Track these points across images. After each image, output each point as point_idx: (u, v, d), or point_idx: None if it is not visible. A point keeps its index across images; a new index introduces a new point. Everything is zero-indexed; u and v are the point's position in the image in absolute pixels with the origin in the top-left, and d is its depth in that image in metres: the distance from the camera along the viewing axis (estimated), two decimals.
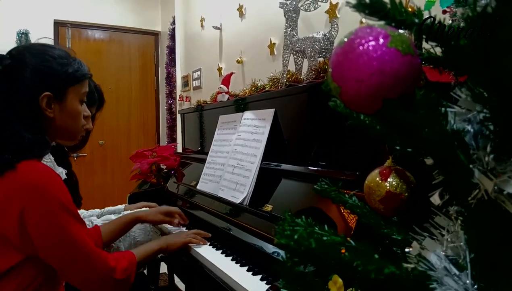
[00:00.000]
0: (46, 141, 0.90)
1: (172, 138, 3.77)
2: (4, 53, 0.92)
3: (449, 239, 0.44)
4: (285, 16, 1.51)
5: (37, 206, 0.83)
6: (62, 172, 1.25)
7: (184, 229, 1.57)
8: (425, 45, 0.47)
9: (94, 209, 1.59)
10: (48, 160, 1.18)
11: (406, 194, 0.63)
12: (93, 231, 1.18)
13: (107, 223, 1.27)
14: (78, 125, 0.99)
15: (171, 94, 3.78)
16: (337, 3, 1.64)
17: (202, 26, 3.07)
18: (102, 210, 1.61)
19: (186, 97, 3.41)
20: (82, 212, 1.57)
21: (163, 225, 1.59)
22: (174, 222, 1.39)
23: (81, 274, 0.90)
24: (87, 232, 0.92)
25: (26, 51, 0.91)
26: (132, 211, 1.38)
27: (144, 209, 1.49)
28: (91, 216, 1.41)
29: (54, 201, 0.84)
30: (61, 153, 1.36)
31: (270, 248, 1.11)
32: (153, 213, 1.35)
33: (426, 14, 0.42)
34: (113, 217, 1.34)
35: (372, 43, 0.40)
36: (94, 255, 0.90)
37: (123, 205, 1.64)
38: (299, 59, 1.51)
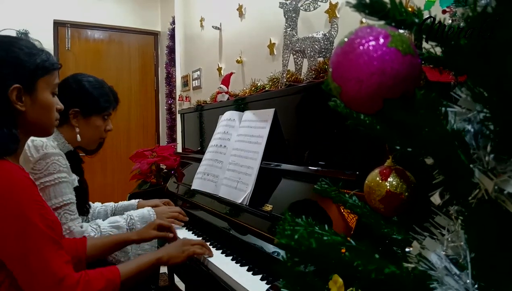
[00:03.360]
0: (13, 136, 0.85)
1: (172, 138, 3.77)
2: None
3: (449, 239, 0.44)
4: (284, 16, 1.51)
5: None
6: (75, 179, 1.26)
7: (184, 229, 1.58)
8: (425, 45, 0.47)
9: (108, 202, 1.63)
10: (65, 165, 1.17)
11: (406, 194, 0.63)
12: (79, 243, 1.10)
13: (98, 237, 1.19)
14: (51, 119, 0.94)
15: (171, 94, 3.79)
16: (337, 3, 1.64)
17: (201, 26, 3.07)
18: (116, 204, 1.63)
19: (186, 97, 3.42)
20: (96, 206, 1.59)
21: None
22: (169, 236, 1.26)
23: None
24: (51, 246, 0.82)
25: None
26: (122, 233, 1.27)
27: (153, 211, 1.50)
28: (98, 219, 1.40)
29: (16, 209, 0.78)
30: (76, 159, 1.36)
31: (270, 248, 1.11)
32: (145, 231, 1.21)
33: (426, 14, 0.42)
34: (120, 220, 1.32)
35: (373, 43, 0.40)
36: (53, 273, 0.81)
37: (136, 200, 1.65)
38: (299, 59, 1.50)
